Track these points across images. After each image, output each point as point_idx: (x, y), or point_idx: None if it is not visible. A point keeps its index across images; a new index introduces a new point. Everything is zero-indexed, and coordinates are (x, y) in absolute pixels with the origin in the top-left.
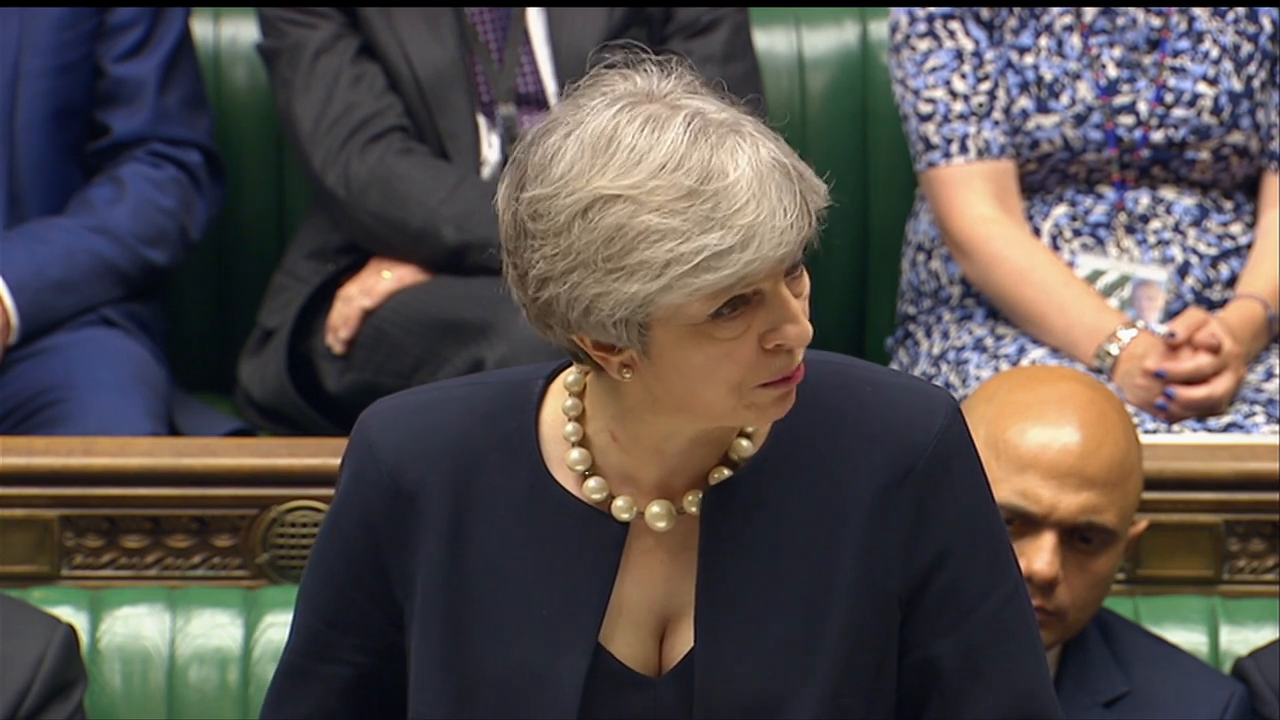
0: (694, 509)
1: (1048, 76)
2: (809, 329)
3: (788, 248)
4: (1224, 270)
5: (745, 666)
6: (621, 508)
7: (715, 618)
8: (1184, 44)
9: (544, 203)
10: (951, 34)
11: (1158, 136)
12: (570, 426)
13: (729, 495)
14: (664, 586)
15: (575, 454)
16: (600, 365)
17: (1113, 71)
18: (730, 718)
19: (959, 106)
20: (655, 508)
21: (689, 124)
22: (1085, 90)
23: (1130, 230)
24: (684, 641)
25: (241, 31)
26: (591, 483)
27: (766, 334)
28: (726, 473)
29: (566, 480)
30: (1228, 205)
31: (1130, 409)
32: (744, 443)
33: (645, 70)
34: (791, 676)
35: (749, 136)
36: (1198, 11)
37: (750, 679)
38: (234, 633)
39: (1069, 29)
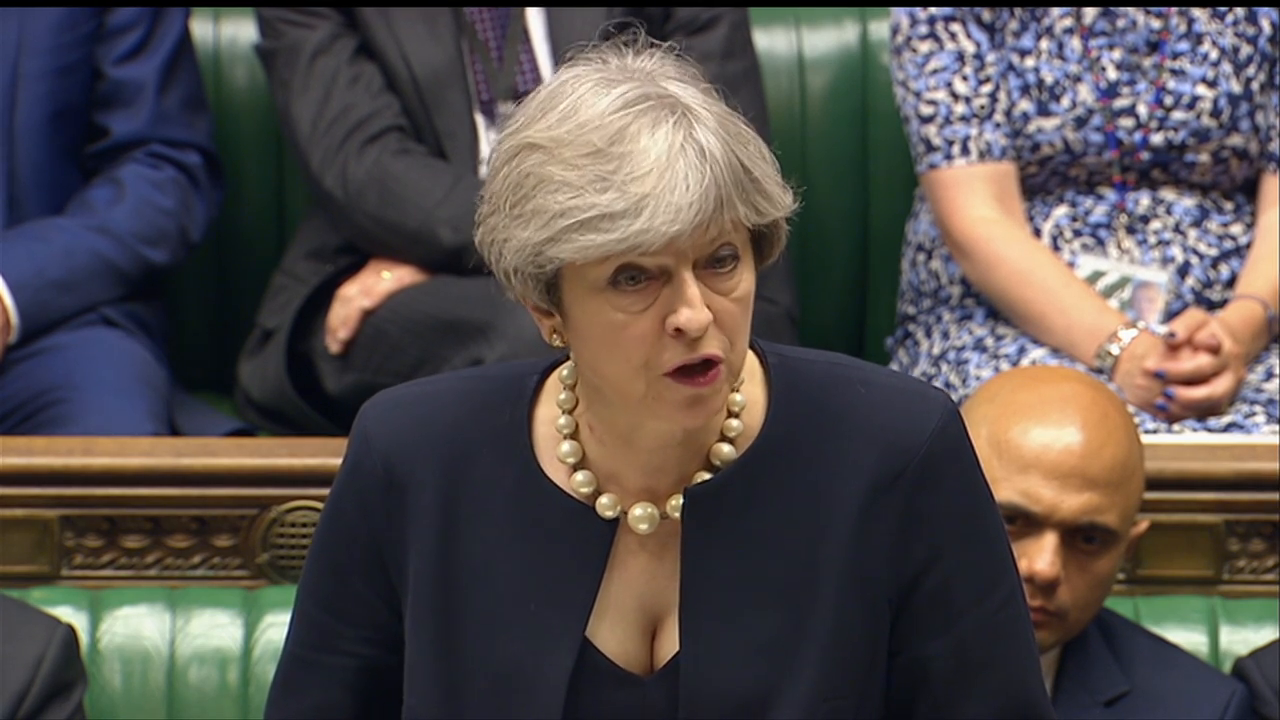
0: (677, 514)
1: (1048, 79)
2: (704, 317)
3: (682, 226)
4: (1224, 271)
5: (730, 667)
6: (606, 505)
7: (699, 619)
8: (1183, 46)
9: (495, 147)
10: (953, 36)
11: (1157, 139)
12: (563, 419)
13: (713, 497)
14: (652, 585)
15: (565, 446)
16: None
17: (1112, 74)
18: (717, 718)
19: (960, 108)
20: (638, 510)
21: (631, 93)
22: (1085, 93)
23: (1131, 231)
24: (672, 641)
25: (241, 32)
26: (579, 476)
27: (668, 315)
28: (708, 476)
29: (558, 475)
30: (1228, 206)
31: (1131, 409)
32: (726, 447)
33: (646, 53)
34: (777, 676)
35: (688, 120)
36: (1197, 13)
37: (735, 680)
38: (234, 633)
39: (1069, 31)
